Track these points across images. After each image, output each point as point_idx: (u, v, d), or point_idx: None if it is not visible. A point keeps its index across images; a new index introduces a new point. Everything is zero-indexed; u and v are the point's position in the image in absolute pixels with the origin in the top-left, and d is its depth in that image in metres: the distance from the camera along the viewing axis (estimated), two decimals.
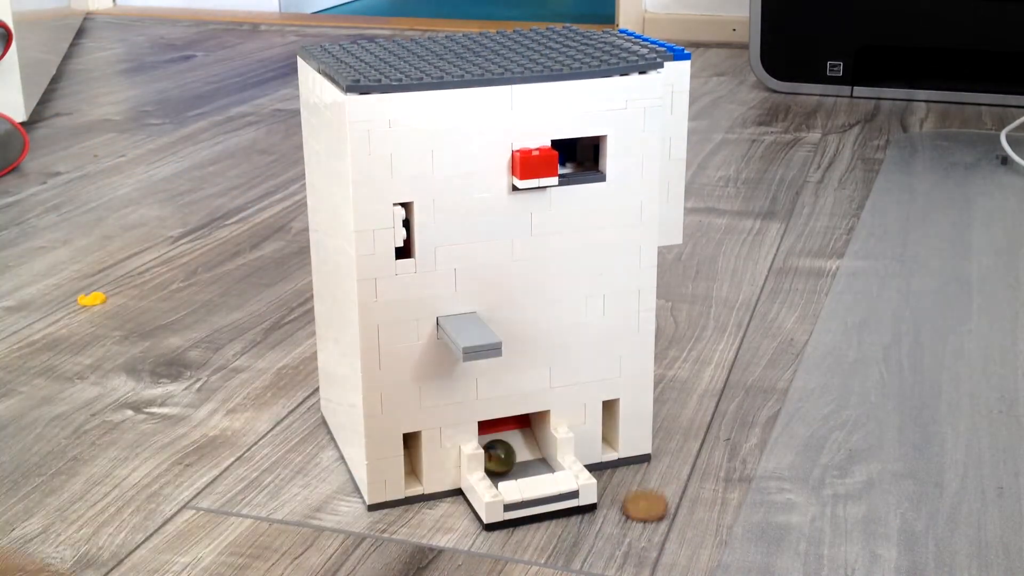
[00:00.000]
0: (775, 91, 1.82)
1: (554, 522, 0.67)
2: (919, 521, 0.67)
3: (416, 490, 0.69)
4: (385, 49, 0.71)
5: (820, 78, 1.79)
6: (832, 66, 1.78)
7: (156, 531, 0.67)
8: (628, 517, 0.68)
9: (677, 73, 0.70)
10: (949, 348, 0.90)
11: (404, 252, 0.65)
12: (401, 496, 0.69)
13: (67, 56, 2.17)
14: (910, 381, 0.84)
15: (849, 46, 1.77)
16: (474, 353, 0.63)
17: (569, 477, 0.68)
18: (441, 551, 0.65)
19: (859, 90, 1.78)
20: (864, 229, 1.17)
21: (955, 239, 1.13)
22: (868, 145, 1.51)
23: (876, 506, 0.69)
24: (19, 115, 1.53)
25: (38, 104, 1.74)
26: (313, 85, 0.69)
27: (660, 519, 0.68)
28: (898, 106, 1.72)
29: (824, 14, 1.76)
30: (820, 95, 1.80)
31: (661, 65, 0.66)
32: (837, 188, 1.32)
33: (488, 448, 0.69)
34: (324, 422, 0.80)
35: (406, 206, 0.64)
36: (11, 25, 1.49)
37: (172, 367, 0.89)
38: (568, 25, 0.78)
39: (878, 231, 1.16)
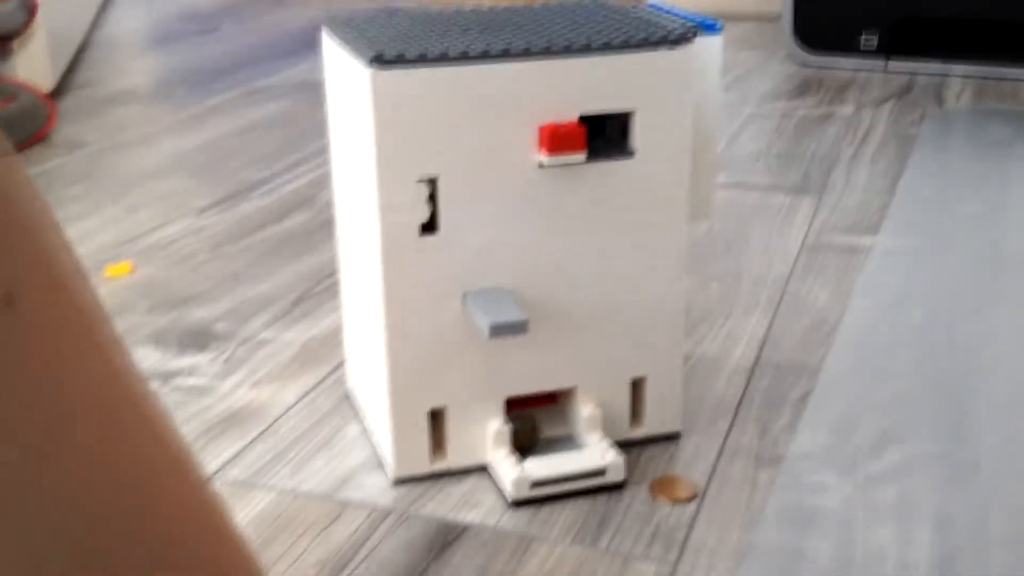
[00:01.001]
0: (807, 64, 1.80)
1: (581, 500, 0.67)
2: (953, 504, 0.66)
3: (442, 465, 0.69)
4: (410, 22, 0.70)
5: (854, 51, 1.76)
6: (866, 39, 1.75)
7: None
8: (656, 498, 0.67)
9: (708, 47, 0.69)
10: (985, 328, 0.88)
11: (429, 228, 0.64)
12: (427, 471, 0.69)
13: (94, 26, 2.17)
14: (945, 361, 0.83)
15: (883, 18, 1.74)
16: (500, 330, 0.62)
17: (596, 455, 0.67)
18: (467, 527, 0.65)
19: (893, 64, 1.75)
20: (898, 206, 1.16)
21: (991, 216, 1.11)
22: (902, 120, 1.48)
23: (909, 488, 0.68)
24: (46, 85, 1.53)
25: (64, 74, 1.74)
26: (337, 59, 0.68)
27: (688, 501, 0.67)
28: (933, 80, 1.69)
29: None
30: (854, 69, 1.77)
31: (691, 39, 0.65)
32: (870, 163, 1.30)
33: (513, 424, 0.68)
34: (350, 395, 0.79)
35: (431, 181, 0.63)
36: None
37: (199, 338, 0.89)
38: None
39: (912, 208, 1.15)
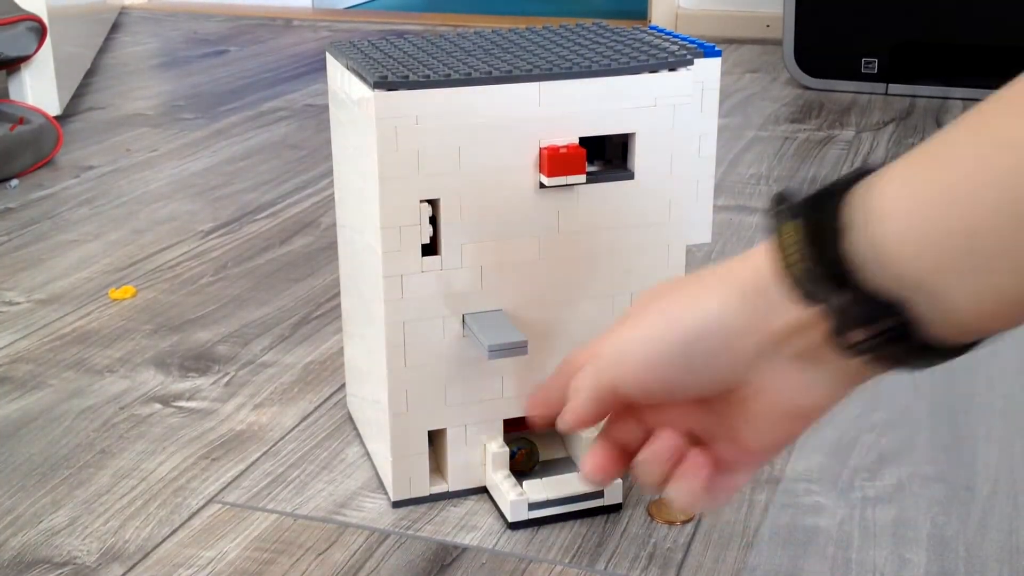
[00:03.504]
0: (808, 88, 1.81)
1: (579, 522, 0.67)
2: (949, 525, 0.66)
3: (441, 487, 0.69)
4: (414, 45, 0.70)
5: (854, 75, 1.77)
6: (867, 63, 1.76)
7: (182, 525, 0.68)
8: (653, 519, 0.67)
9: (707, 70, 0.69)
10: (982, 349, 0.88)
11: (430, 249, 0.65)
12: (426, 493, 0.69)
13: (102, 50, 2.19)
14: (942, 382, 0.83)
15: (884, 43, 1.75)
16: (500, 351, 0.62)
17: None
18: (465, 549, 0.65)
19: (894, 87, 1.76)
20: None
21: None
22: (903, 143, 1.49)
23: (906, 510, 0.68)
24: (53, 109, 1.55)
25: (72, 98, 1.75)
26: (341, 81, 0.68)
27: (685, 523, 0.67)
28: (933, 104, 1.70)
29: (859, 10, 1.75)
30: (854, 92, 1.78)
31: (691, 62, 0.66)
32: None
33: (512, 447, 0.69)
34: (350, 418, 0.80)
35: (433, 203, 0.64)
36: (46, 19, 1.50)
37: (200, 361, 0.89)
38: (598, 21, 0.78)
39: None
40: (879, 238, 0.39)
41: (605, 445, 0.51)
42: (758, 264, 0.42)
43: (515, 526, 0.66)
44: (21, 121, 1.41)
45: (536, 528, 0.66)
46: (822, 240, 0.40)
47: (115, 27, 2.44)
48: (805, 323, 0.42)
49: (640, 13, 2.44)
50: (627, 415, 0.51)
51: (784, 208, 0.42)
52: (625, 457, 0.51)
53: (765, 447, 0.47)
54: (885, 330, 0.40)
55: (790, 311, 0.42)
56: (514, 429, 0.71)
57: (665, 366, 0.46)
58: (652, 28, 0.76)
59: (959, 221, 0.37)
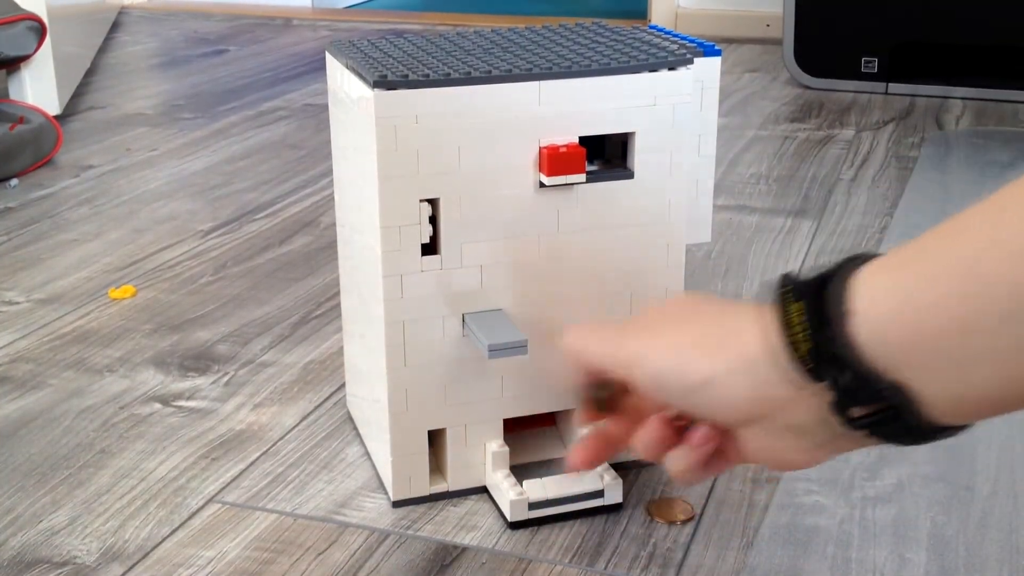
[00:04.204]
0: (808, 87, 1.81)
1: (579, 521, 0.67)
2: (949, 525, 0.66)
3: (441, 487, 0.69)
4: (413, 45, 0.70)
5: (854, 75, 1.77)
6: (867, 62, 1.76)
7: (182, 525, 0.68)
8: (653, 519, 0.67)
9: (707, 69, 0.69)
10: None
11: (430, 248, 0.65)
12: (426, 493, 0.69)
13: (101, 50, 2.19)
14: None
15: (884, 42, 1.75)
16: (500, 351, 0.62)
17: (594, 476, 0.67)
18: (465, 549, 0.65)
19: (894, 87, 1.76)
20: (897, 228, 1.16)
21: None
22: (902, 143, 1.49)
23: (906, 509, 0.68)
24: (53, 108, 1.55)
25: (72, 97, 1.75)
26: (341, 80, 0.68)
27: (685, 522, 0.67)
28: (933, 103, 1.70)
29: (859, 10, 1.75)
30: (854, 92, 1.78)
31: (691, 61, 0.66)
32: (870, 186, 1.30)
33: (595, 390, 0.59)
34: (350, 417, 0.80)
35: (432, 202, 0.64)
36: (45, 19, 1.50)
37: (200, 361, 0.89)
38: (598, 21, 0.78)
39: (912, 230, 1.15)
40: (877, 326, 0.42)
41: (595, 438, 0.57)
42: (767, 335, 0.46)
43: (515, 526, 0.66)
44: (21, 120, 1.41)
45: (536, 528, 0.66)
46: (826, 323, 0.44)
47: (115, 27, 2.44)
48: (807, 396, 0.45)
49: (640, 13, 2.44)
50: (622, 414, 0.56)
51: (790, 289, 0.46)
52: (610, 447, 0.57)
53: (761, 463, 0.52)
54: (883, 409, 0.43)
55: (794, 384, 0.45)
56: (514, 429, 0.71)
57: (668, 394, 0.51)
58: (652, 27, 0.76)
59: (949, 320, 0.40)
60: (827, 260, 1.07)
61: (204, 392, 0.84)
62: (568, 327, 0.57)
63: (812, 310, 0.44)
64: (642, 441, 0.54)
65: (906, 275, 0.42)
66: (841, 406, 0.44)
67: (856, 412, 0.44)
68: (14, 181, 1.35)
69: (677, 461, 0.53)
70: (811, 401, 0.45)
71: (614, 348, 0.53)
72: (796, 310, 0.45)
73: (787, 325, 0.45)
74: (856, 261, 0.44)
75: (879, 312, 0.42)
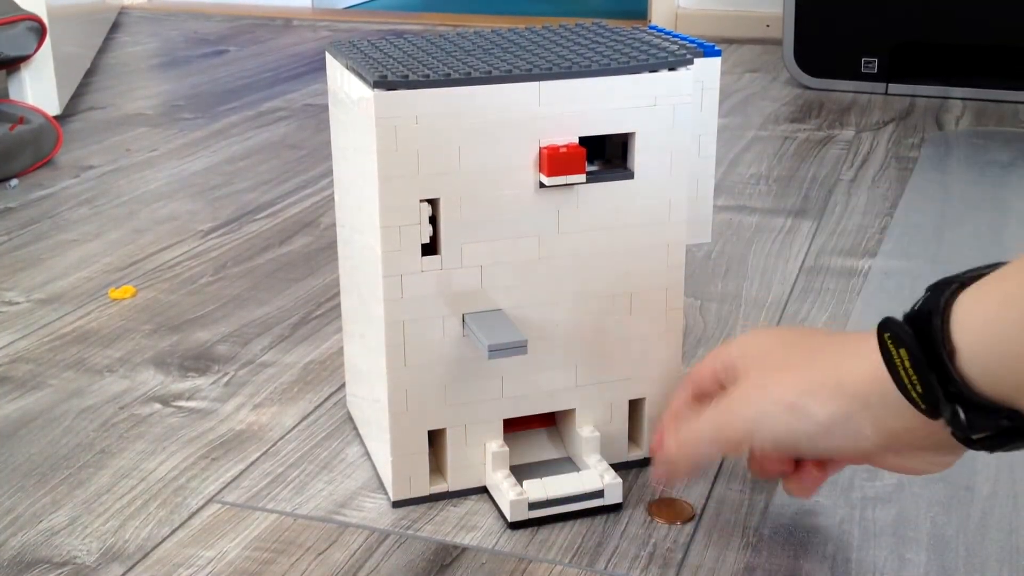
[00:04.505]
0: (808, 88, 1.81)
1: (579, 521, 0.67)
2: (949, 526, 0.66)
3: (441, 487, 0.69)
4: (413, 45, 0.70)
5: (854, 75, 1.77)
6: (867, 63, 1.76)
7: (182, 525, 0.68)
8: (653, 519, 0.67)
9: (707, 70, 0.69)
10: None
11: (430, 249, 0.65)
12: (426, 493, 0.69)
13: (101, 50, 2.19)
14: None
15: (884, 43, 1.75)
16: (500, 351, 0.62)
17: (594, 476, 0.67)
18: (465, 549, 0.65)
19: (894, 87, 1.76)
20: (897, 228, 1.16)
21: (990, 239, 1.12)
22: (902, 143, 1.49)
23: (906, 510, 0.68)
24: (53, 109, 1.55)
25: (72, 98, 1.75)
26: (341, 81, 0.68)
27: (686, 522, 0.67)
28: (933, 104, 1.70)
29: (859, 10, 1.75)
30: (854, 92, 1.78)
31: (691, 62, 0.66)
32: (870, 186, 1.30)
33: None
34: (350, 417, 0.80)
35: (432, 202, 0.64)
36: (45, 19, 1.50)
37: (200, 361, 0.89)
38: (598, 21, 0.78)
39: (912, 230, 1.15)
40: (982, 359, 0.45)
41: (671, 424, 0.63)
42: (877, 377, 0.50)
43: (515, 526, 0.66)
44: (21, 121, 1.41)
45: (536, 528, 0.66)
46: (933, 367, 0.47)
47: (115, 27, 2.44)
48: (928, 424, 0.49)
49: (640, 13, 2.44)
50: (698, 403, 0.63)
51: (893, 336, 0.48)
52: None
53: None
54: (1003, 430, 0.47)
55: (913, 419, 0.49)
56: (514, 428, 0.71)
57: (792, 448, 0.56)
58: (652, 28, 0.76)
59: None
60: (827, 260, 1.07)
61: (204, 392, 0.84)
62: (653, 436, 0.63)
63: (916, 356, 0.47)
64: (755, 472, 0.62)
65: (998, 304, 0.44)
66: (961, 433, 0.47)
67: (977, 435, 0.47)
68: (14, 181, 1.35)
69: (796, 488, 0.62)
70: (933, 426, 0.48)
71: (718, 431, 0.58)
72: (902, 356, 0.47)
73: (894, 370, 0.48)
74: (944, 292, 0.47)
75: (983, 346, 0.45)
